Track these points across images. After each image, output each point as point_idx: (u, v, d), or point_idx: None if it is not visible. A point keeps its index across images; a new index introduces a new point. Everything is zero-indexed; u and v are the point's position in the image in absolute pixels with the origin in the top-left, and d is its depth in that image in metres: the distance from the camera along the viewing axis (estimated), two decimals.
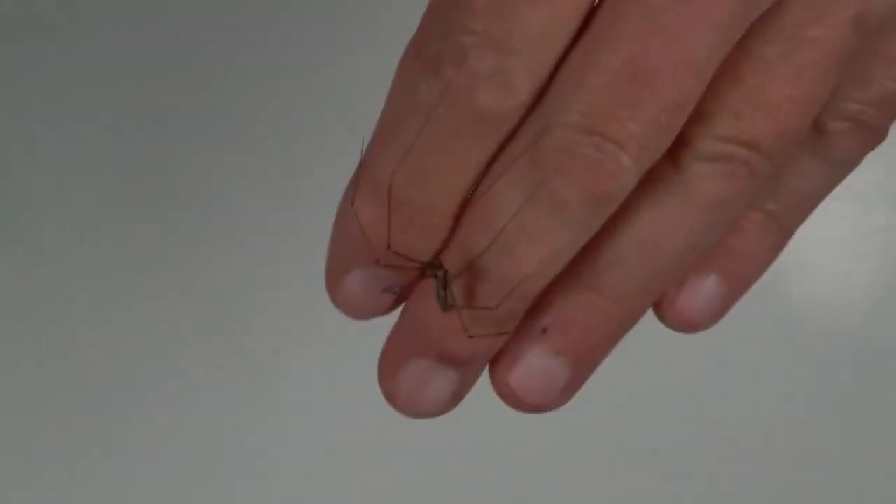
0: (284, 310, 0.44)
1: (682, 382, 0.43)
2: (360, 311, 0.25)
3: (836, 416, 0.43)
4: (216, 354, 0.43)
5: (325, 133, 0.44)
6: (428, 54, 0.22)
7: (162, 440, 0.43)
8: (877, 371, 0.44)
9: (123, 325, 0.44)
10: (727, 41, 0.21)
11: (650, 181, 0.22)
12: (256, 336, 0.44)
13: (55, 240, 0.44)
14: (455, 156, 0.23)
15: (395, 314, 0.26)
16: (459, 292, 0.24)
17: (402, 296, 0.25)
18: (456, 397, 0.25)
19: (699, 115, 0.22)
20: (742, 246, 0.25)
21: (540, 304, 0.24)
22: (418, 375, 0.25)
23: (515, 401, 0.25)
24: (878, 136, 0.25)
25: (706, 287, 0.25)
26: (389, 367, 0.25)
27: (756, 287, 0.44)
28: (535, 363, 0.24)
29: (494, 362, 0.25)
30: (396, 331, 0.25)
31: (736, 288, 0.26)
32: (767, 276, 0.44)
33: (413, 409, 0.25)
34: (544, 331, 0.24)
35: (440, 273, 0.23)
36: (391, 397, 0.25)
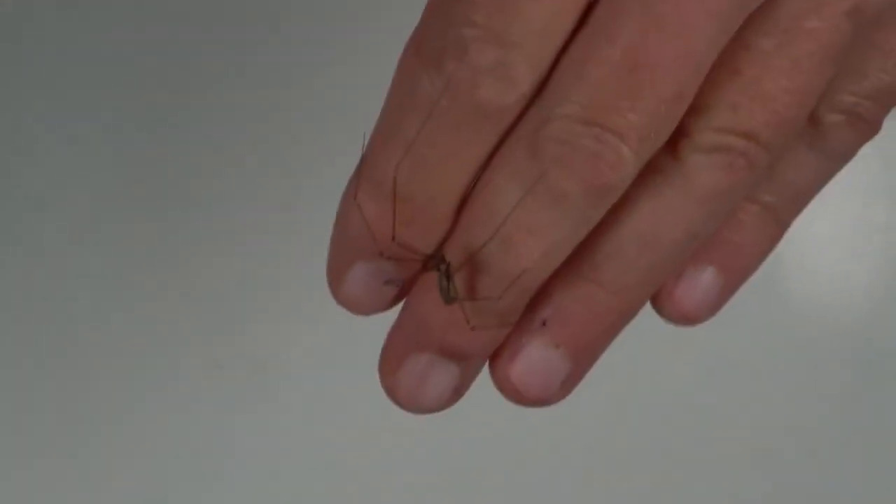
0: (284, 310, 0.44)
1: (682, 382, 0.43)
2: (362, 306, 0.25)
3: (836, 416, 0.43)
4: (216, 354, 0.43)
5: (324, 133, 0.44)
6: (429, 48, 0.23)
7: (161, 440, 0.43)
8: (877, 371, 0.44)
9: (123, 325, 0.44)
10: (724, 33, 0.22)
11: (649, 173, 0.23)
12: (256, 336, 0.44)
13: (55, 240, 0.44)
14: (456, 149, 0.23)
15: (395, 312, 0.26)
16: (461, 285, 0.24)
17: (403, 291, 0.25)
18: (457, 392, 0.25)
19: (697, 107, 0.22)
20: (739, 238, 0.25)
21: (540, 296, 0.24)
22: (420, 370, 0.25)
23: (516, 394, 0.25)
24: (873, 129, 0.25)
25: (704, 279, 0.26)
26: (390, 362, 0.25)
27: (756, 287, 0.44)
28: (536, 356, 0.25)
29: (495, 357, 0.25)
30: (397, 326, 0.25)
31: (733, 280, 0.26)
32: (767, 276, 0.44)
33: (414, 403, 0.25)
34: (544, 323, 0.24)
35: (443, 266, 0.24)
36: (392, 392, 0.25)
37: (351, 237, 0.24)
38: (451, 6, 0.22)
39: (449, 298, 0.24)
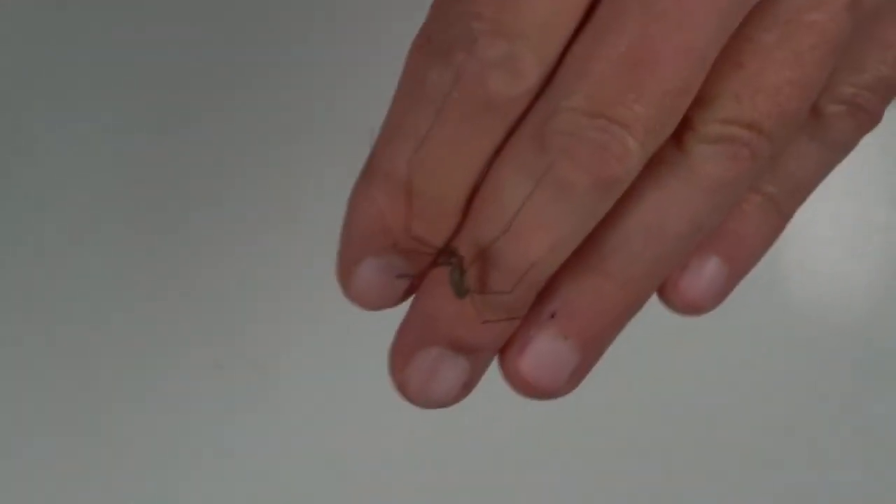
0: (284, 310, 0.44)
1: (682, 382, 0.43)
2: (372, 300, 0.25)
3: (836, 416, 0.43)
4: (216, 354, 0.43)
5: (325, 133, 0.44)
6: (438, 42, 0.23)
7: (161, 440, 0.43)
8: (877, 371, 0.44)
9: (123, 325, 0.44)
10: (727, 27, 0.22)
11: (654, 164, 0.23)
12: (256, 336, 0.44)
13: (55, 240, 0.44)
14: (465, 142, 0.23)
15: (400, 312, 0.26)
16: (470, 279, 0.24)
17: (412, 287, 0.25)
18: (467, 386, 0.25)
19: (702, 100, 0.23)
20: (742, 228, 0.26)
21: (548, 289, 0.25)
22: (429, 364, 0.25)
23: (525, 387, 0.25)
24: (872, 120, 0.25)
25: (708, 269, 0.26)
26: (400, 357, 0.25)
27: (756, 287, 0.44)
28: (544, 348, 0.25)
29: (504, 350, 0.25)
30: (407, 322, 0.25)
31: (737, 270, 0.26)
32: (767, 277, 0.44)
33: (424, 398, 0.25)
34: (552, 316, 0.25)
35: (455, 259, 0.24)
36: (403, 387, 0.25)
37: (361, 231, 0.25)
38: (460, 0, 0.22)
39: (461, 292, 0.24)
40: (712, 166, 0.23)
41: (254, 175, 0.44)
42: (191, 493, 0.43)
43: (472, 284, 0.24)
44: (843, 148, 0.26)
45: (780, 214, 0.26)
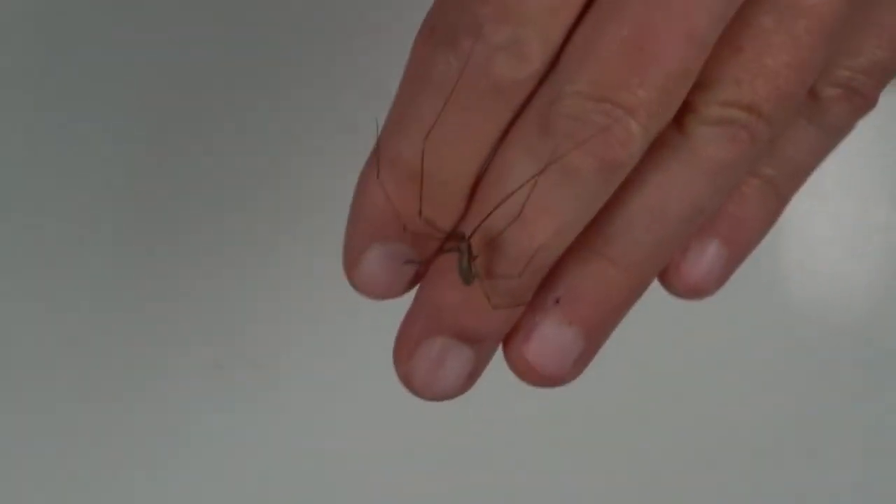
0: (284, 310, 0.44)
1: (681, 382, 0.43)
2: (378, 289, 0.25)
3: (836, 416, 0.43)
4: (216, 354, 0.43)
5: (326, 133, 0.44)
6: (444, 28, 0.23)
7: (161, 440, 0.43)
8: (877, 371, 0.44)
9: (123, 325, 0.44)
10: (727, 11, 0.22)
11: (656, 148, 0.23)
12: (256, 336, 0.44)
13: (55, 240, 0.44)
14: (472, 127, 0.24)
15: (402, 308, 0.26)
16: (477, 264, 0.24)
17: (417, 275, 0.25)
18: (471, 377, 0.25)
19: (702, 83, 0.23)
20: (741, 212, 0.26)
21: (552, 275, 0.25)
22: (435, 354, 0.25)
23: (531, 374, 0.25)
24: (868, 103, 0.26)
25: (709, 252, 0.26)
26: (405, 348, 0.25)
27: (756, 287, 0.44)
28: (549, 334, 0.25)
29: (509, 338, 0.25)
30: (411, 313, 0.26)
31: (737, 253, 0.27)
32: (767, 276, 0.44)
33: (429, 389, 0.25)
34: (557, 302, 0.25)
35: (463, 245, 0.24)
36: (408, 379, 0.25)
37: (369, 218, 0.25)
38: None
39: (469, 278, 0.24)
40: (713, 148, 0.23)
41: (254, 175, 0.44)
42: (191, 492, 0.43)
43: (479, 270, 0.24)
44: (839, 131, 0.26)
45: (779, 197, 0.27)
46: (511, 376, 0.26)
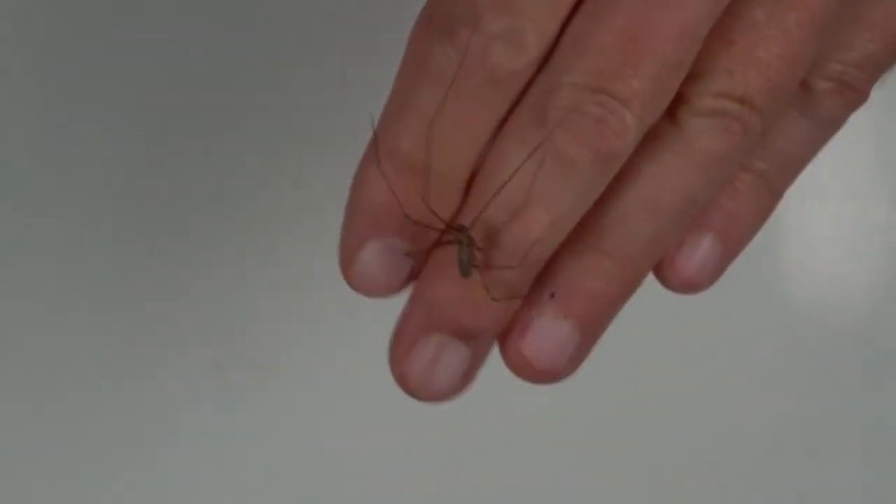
0: (284, 310, 0.44)
1: (682, 382, 0.43)
2: (375, 285, 0.25)
3: (836, 416, 0.43)
4: (216, 354, 0.43)
5: (326, 133, 0.44)
6: (441, 19, 0.23)
7: (161, 440, 0.43)
8: (877, 371, 0.44)
9: (123, 325, 0.44)
10: (719, 3, 0.23)
11: (650, 139, 0.23)
12: (256, 336, 0.44)
13: (55, 240, 0.44)
14: (470, 117, 0.24)
15: (396, 308, 0.26)
16: (476, 256, 0.24)
17: (413, 272, 0.25)
18: (466, 376, 0.25)
19: (694, 75, 0.23)
20: (735, 206, 0.26)
21: (547, 269, 0.25)
22: (431, 353, 0.25)
23: (527, 369, 0.25)
24: (860, 97, 0.26)
25: (703, 246, 0.26)
26: (401, 347, 0.25)
27: (756, 287, 0.44)
28: (545, 328, 0.25)
29: (505, 334, 0.25)
30: (407, 312, 0.25)
31: (731, 247, 0.27)
32: (767, 277, 0.44)
33: (425, 389, 0.25)
34: (552, 296, 0.25)
35: (464, 236, 0.24)
36: (404, 379, 0.25)
37: (367, 211, 0.25)
38: None
39: (467, 270, 0.24)
40: (706, 139, 0.24)
41: (254, 174, 0.44)
42: (191, 492, 0.43)
43: (478, 261, 0.24)
44: (831, 125, 0.26)
45: (772, 191, 0.27)
46: (510, 376, 0.26)
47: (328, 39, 0.44)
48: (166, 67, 0.44)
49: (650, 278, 0.26)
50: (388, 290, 0.25)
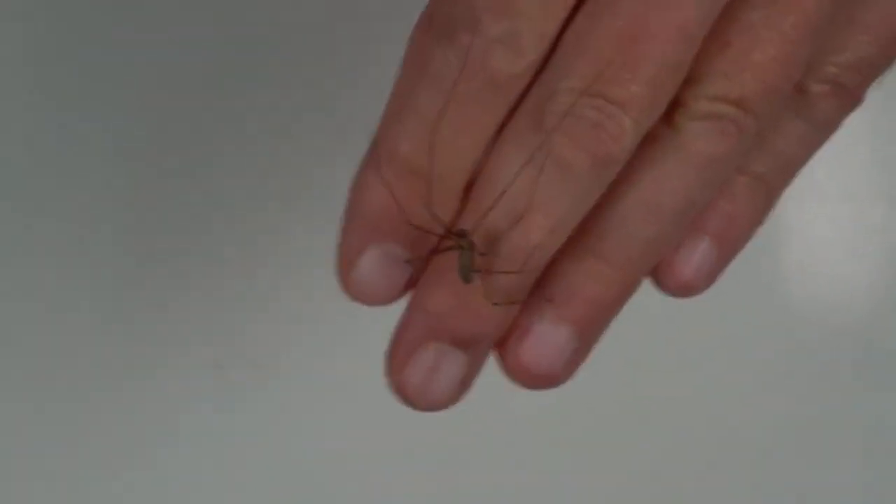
0: (284, 310, 0.44)
1: (681, 383, 0.43)
2: (374, 293, 0.25)
3: (837, 416, 0.43)
4: (216, 354, 0.43)
5: (327, 133, 0.44)
6: (441, 22, 0.23)
7: (161, 440, 0.43)
8: (877, 372, 0.44)
9: (123, 325, 0.44)
10: (715, 5, 0.23)
11: (647, 143, 0.24)
12: (256, 336, 0.44)
13: (55, 240, 0.44)
14: (470, 121, 0.24)
15: (395, 313, 0.26)
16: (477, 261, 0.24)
17: (411, 280, 0.25)
18: (464, 384, 0.25)
19: (691, 79, 0.23)
20: (731, 209, 0.26)
21: (545, 274, 0.25)
22: (429, 361, 0.25)
23: (525, 374, 0.25)
24: (854, 99, 0.26)
25: (700, 249, 0.26)
26: (399, 357, 0.25)
27: (756, 287, 0.44)
28: (543, 334, 0.25)
29: (503, 341, 0.25)
30: (404, 321, 0.25)
31: (727, 250, 0.27)
32: (768, 277, 0.44)
33: (423, 398, 0.25)
34: (550, 301, 0.25)
35: (465, 241, 0.24)
36: (401, 388, 0.25)
37: (367, 216, 0.25)
38: None
39: (469, 276, 0.24)
40: (703, 142, 0.24)
41: (254, 175, 0.44)
42: (191, 492, 0.43)
43: (479, 266, 0.24)
44: (826, 127, 0.26)
45: (768, 194, 0.27)
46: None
47: (329, 40, 0.44)
48: (166, 67, 0.44)
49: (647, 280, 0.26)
50: (387, 299, 0.25)
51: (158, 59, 0.44)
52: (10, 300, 0.44)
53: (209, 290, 0.44)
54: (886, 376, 0.43)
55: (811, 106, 0.26)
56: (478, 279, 0.24)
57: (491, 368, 0.26)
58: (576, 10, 0.23)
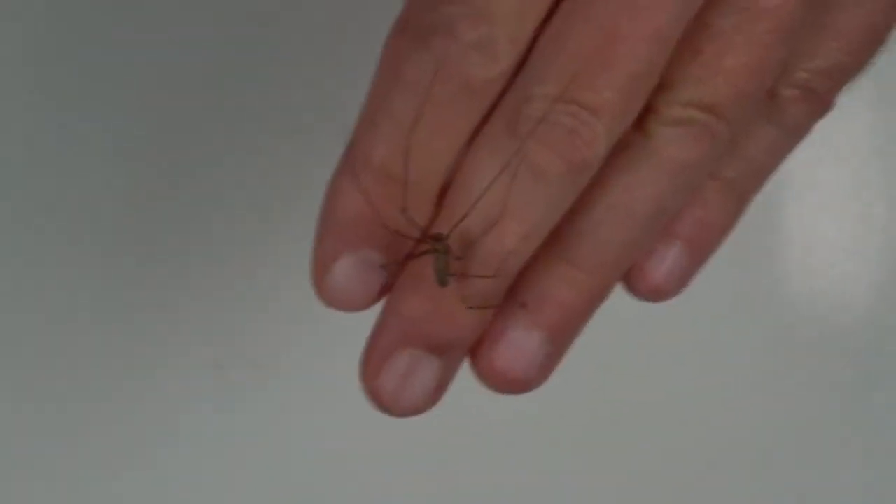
0: (284, 310, 0.44)
1: (681, 382, 0.43)
2: (348, 300, 0.25)
3: (837, 416, 0.43)
4: (216, 354, 0.43)
5: (327, 133, 0.44)
6: (415, 27, 0.24)
7: (161, 440, 0.43)
8: (877, 371, 0.44)
9: (123, 325, 0.44)
10: (688, 11, 0.23)
11: (619, 149, 0.24)
12: (256, 336, 0.44)
13: (55, 240, 0.44)
14: (444, 126, 0.24)
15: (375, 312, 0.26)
16: (446, 267, 0.24)
17: (386, 287, 0.25)
18: (439, 389, 0.25)
19: (663, 85, 0.24)
20: (703, 214, 0.26)
21: (518, 280, 0.25)
22: (403, 368, 0.25)
23: (498, 380, 0.25)
24: (824, 104, 0.26)
25: (671, 254, 0.26)
26: (374, 363, 0.25)
27: (756, 287, 0.44)
28: (516, 338, 0.25)
29: (476, 347, 0.26)
30: (379, 326, 0.26)
31: (698, 255, 0.27)
32: (768, 277, 0.44)
33: (398, 404, 0.25)
34: (523, 306, 0.25)
35: (441, 245, 0.24)
36: (376, 394, 0.25)
37: (341, 223, 0.25)
38: None
39: (445, 279, 0.24)
40: (674, 148, 0.24)
41: (254, 175, 0.44)
42: (191, 492, 0.43)
43: (454, 271, 0.24)
44: (797, 132, 0.27)
45: (739, 199, 0.27)
46: None
47: (329, 40, 0.44)
48: (166, 67, 0.44)
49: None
50: (362, 305, 0.25)
51: (158, 59, 0.44)
52: (11, 300, 0.44)
53: (209, 290, 0.44)
54: (886, 376, 0.43)
55: (782, 111, 0.26)
56: (453, 283, 0.24)
57: None
58: (550, 15, 0.23)
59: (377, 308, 0.26)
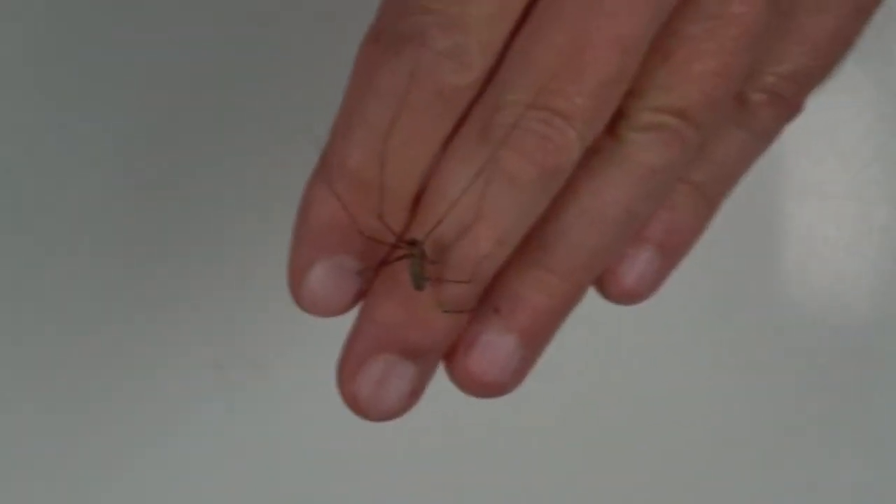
0: (284, 310, 0.44)
1: (681, 383, 0.43)
2: (326, 304, 0.26)
3: (837, 416, 0.43)
4: (216, 354, 0.43)
5: (327, 134, 0.44)
6: (388, 36, 0.24)
7: (161, 440, 0.43)
8: (877, 371, 0.43)
9: (122, 325, 0.44)
10: (658, 18, 0.23)
11: (591, 154, 0.24)
12: (256, 336, 0.44)
13: (55, 240, 0.44)
14: (418, 133, 0.24)
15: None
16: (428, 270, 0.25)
17: (361, 292, 0.25)
18: (414, 394, 0.26)
19: (633, 91, 0.24)
20: (673, 218, 0.27)
21: (492, 285, 0.25)
22: (378, 373, 0.25)
23: (473, 384, 0.26)
24: (792, 108, 0.27)
25: (642, 258, 0.27)
26: (350, 368, 0.26)
27: (757, 287, 0.44)
28: (490, 343, 0.25)
29: (451, 352, 0.26)
30: (355, 332, 0.26)
31: (669, 259, 0.27)
32: (768, 277, 0.44)
33: (374, 409, 0.25)
34: (497, 311, 0.25)
35: (416, 250, 0.24)
36: (353, 399, 0.26)
37: (316, 229, 0.25)
38: None
39: (421, 284, 0.24)
40: (645, 153, 0.24)
41: (254, 174, 0.44)
42: (191, 492, 0.43)
43: (431, 275, 0.24)
44: (766, 136, 0.27)
45: (709, 203, 0.27)
46: None
47: (329, 40, 0.44)
48: (166, 67, 0.44)
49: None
50: (339, 310, 0.26)
51: (158, 59, 0.44)
52: (11, 300, 0.44)
53: (209, 290, 0.44)
54: (886, 376, 0.43)
55: (750, 115, 0.26)
56: (428, 287, 0.24)
57: None
58: (521, 23, 0.23)
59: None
